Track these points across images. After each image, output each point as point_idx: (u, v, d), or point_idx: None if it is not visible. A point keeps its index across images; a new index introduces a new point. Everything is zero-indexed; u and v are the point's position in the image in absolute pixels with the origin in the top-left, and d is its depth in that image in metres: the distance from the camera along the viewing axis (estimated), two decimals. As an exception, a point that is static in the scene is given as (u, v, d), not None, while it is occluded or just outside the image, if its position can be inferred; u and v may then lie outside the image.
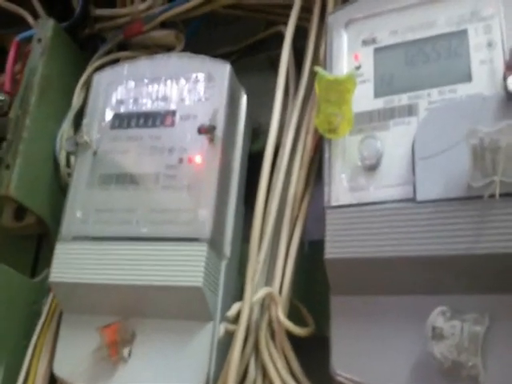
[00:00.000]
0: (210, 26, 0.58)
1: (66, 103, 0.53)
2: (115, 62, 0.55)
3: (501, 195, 0.32)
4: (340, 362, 0.35)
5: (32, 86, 0.50)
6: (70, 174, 0.50)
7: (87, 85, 0.53)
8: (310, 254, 0.43)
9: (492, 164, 0.32)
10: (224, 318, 0.38)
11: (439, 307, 0.32)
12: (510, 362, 0.32)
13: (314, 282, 0.42)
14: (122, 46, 0.57)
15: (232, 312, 0.36)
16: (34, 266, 0.52)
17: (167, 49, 0.55)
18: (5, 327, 0.44)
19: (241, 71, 0.49)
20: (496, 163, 0.32)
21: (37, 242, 0.54)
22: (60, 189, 0.51)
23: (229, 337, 0.39)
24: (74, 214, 0.44)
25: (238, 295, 0.42)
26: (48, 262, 0.49)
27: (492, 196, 0.31)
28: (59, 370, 0.41)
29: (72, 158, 0.51)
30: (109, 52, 0.56)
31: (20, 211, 0.51)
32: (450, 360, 0.32)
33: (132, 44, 0.56)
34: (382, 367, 0.34)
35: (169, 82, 0.47)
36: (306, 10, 0.48)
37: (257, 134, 0.50)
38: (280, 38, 0.54)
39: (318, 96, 0.37)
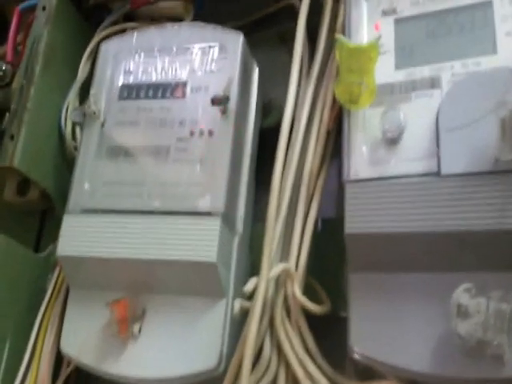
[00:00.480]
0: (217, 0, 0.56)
1: (70, 75, 0.51)
2: (121, 33, 0.54)
3: (530, 169, 0.31)
4: (358, 339, 0.34)
5: (37, 55, 0.49)
6: (75, 148, 0.49)
7: (93, 56, 0.52)
8: (323, 232, 0.42)
9: (521, 137, 0.31)
10: (240, 294, 0.37)
11: (464, 284, 0.31)
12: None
13: (326, 261, 0.41)
14: (128, 17, 0.55)
15: (249, 287, 0.35)
16: (38, 243, 0.51)
17: (175, 20, 0.53)
18: (9, 300, 0.43)
19: (250, 46, 0.48)
20: (526, 136, 0.31)
21: (40, 218, 0.52)
22: (65, 162, 0.49)
23: (240, 314, 0.38)
24: (82, 186, 0.42)
25: (250, 273, 0.42)
26: (52, 238, 0.48)
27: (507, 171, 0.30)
28: (66, 347, 0.40)
29: (78, 132, 0.49)
30: (115, 23, 0.54)
31: (23, 185, 0.50)
32: (474, 338, 0.31)
33: (138, 15, 0.54)
34: (402, 346, 0.33)
35: (179, 52, 0.45)
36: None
37: (268, 109, 0.48)
38: (290, 12, 0.53)
39: (339, 65, 0.36)
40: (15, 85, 0.52)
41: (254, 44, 0.50)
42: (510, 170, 0.31)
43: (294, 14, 0.52)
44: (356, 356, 0.34)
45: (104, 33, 0.53)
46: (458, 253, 0.33)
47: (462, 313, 0.31)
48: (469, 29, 0.38)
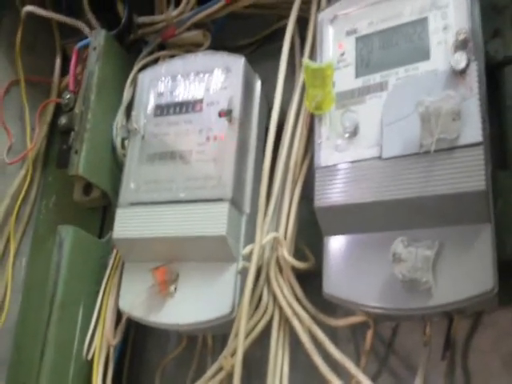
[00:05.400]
0: (231, 21, 0.68)
1: (118, 98, 0.65)
2: (156, 60, 0.67)
3: (444, 149, 0.41)
4: (328, 284, 0.45)
5: (91, 87, 0.62)
6: (124, 155, 0.62)
7: (134, 82, 0.65)
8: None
9: (436, 126, 0.41)
10: (242, 256, 0.49)
11: (399, 237, 0.42)
12: (454, 277, 0.41)
13: (319, 231, 0.52)
14: (161, 46, 0.68)
15: (246, 251, 0.48)
16: (101, 230, 0.65)
17: (197, 45, 0.66)
18: (81, 276, 0.57)
19: (259, 59, 0.60)
20: (438, 125, 0.41)
21: (102, 212, 0.66)
22: (118, 168, 0.63)
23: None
24: (129, 186, 0.56)
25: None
26: (111, 227, 0.62)
27: (427, 152, 0.41)
28: (123, 306, 0.54)
29: (126, 142, 0.62)
30: (151, 52, 0.68)
31: (87, 188, 0.64)
32: (407, 278, 0.41)
33: (169, 44, 0.67)
34: (361, 287, 0.44)
35: (197, 75, 0.58)
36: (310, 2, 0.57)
37: (273, 112, 0.59)
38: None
39: (306, 82, 0.47)
40: (77, 110, 0.67)
41: (262, 57, 0.62)
42: (430, 151, 0.42)
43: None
44: (327, 296, 0.45)
45: (142, 62, 0.66)
46: (398, 215, 0.43)
47: (397, 259, 0.42)
48: (411, 40, 0.48)
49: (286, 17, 0.63)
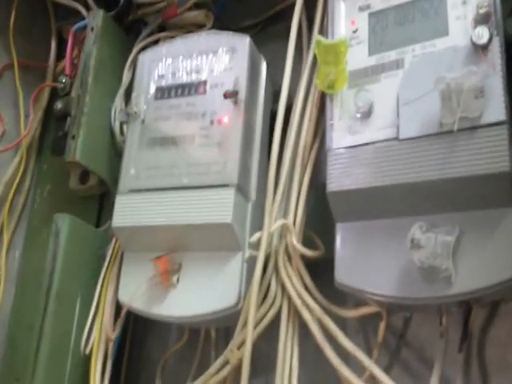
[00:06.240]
0: (233, 1, 0.65)
1: (117, 81, 0.62)
2: (156, 42, 0.64)
3: (466, 129, 0.39)
4: (341, 273, 0.43)
5: (88, 69, 0.60)
6: (123, 140, 0.59)
7: (134, 64, 0.62)
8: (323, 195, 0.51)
9: (457, 104, 0.39)
10: (249, 244, 0.47)
11: (417, 223, 0.39)
12: (476, 264, 0.39)
13: (328, 218, 0.49)
14: (162, 28, 0.65)
15: (253, 239, 0.45)
16: (98, 220, 0.62)
17: (199, 26, 0.63)
18: (79, 267, 0.54)
19: (263, 40, 0.57)
20: (460, 103, 0.38)
21: (99, 200, 0.63)
22: (116, 154, 0.60)
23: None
24: (129, 172, 0.53)
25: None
26: (109, 216, 0.59)
27: (448, 132, 0.38)
28: (123, 297, 0.51)
29: (125, 127, 0.60)
30: (150, 34, 0.65)
31: (84, 176, 0.61)
32: (426, 265, 0.39)
33: (169, 25, 0.65)
34: (375, 275, 0.42)
35: (200, 56, 0.55)
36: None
37: (278, 95, 0.57)
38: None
39: (318, 59, 0.45)
40: (73, 94, 0.64)
41: (267, 38, 0.59)
42: (451, 131, 0.39)
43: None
44: (339, 286, 0.43)
45: (142, 43, 0.63)
46: (416, 199, 0.41)
47: (416, 245, 0.39)
48: (427, 16, 0.45)
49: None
